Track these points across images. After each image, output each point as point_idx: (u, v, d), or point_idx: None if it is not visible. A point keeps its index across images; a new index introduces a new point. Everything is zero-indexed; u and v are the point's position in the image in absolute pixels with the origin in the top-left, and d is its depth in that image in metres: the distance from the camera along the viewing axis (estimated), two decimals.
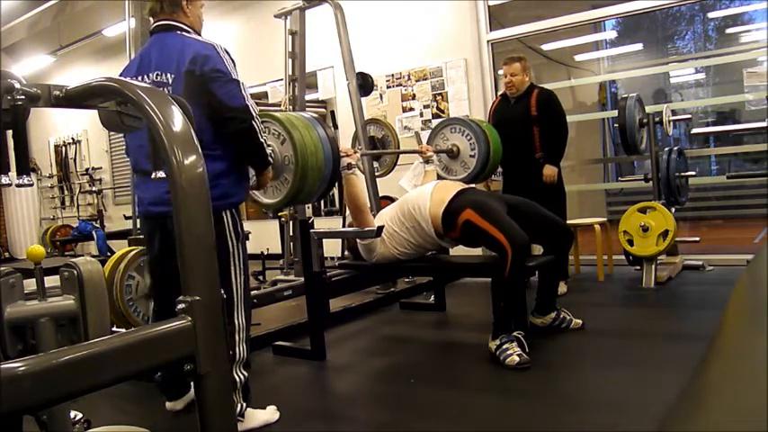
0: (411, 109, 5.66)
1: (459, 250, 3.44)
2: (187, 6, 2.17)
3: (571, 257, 4.34)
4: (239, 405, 2.13)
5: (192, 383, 1.08)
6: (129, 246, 3.32)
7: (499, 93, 4.61)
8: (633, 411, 2.05)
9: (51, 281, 1.18)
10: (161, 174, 1.01)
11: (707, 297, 3.65)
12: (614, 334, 3.09)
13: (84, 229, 7.39)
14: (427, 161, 3.51)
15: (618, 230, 4.05)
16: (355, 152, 3.02)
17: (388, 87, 5.78)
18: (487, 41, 5.24)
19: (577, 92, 7.28)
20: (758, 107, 4.90)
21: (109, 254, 6.13)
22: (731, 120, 7.31)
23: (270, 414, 2.22)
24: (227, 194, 2.08)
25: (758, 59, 5.21)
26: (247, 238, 3.52)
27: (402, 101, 5.70)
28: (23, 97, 0.99)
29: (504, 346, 2.61)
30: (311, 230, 2.92)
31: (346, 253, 3.60)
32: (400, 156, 4.36)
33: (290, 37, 4.21)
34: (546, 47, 7.01)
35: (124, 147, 2.38)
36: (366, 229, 2.83)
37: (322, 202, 6.55)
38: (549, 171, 3.83)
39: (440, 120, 5.17)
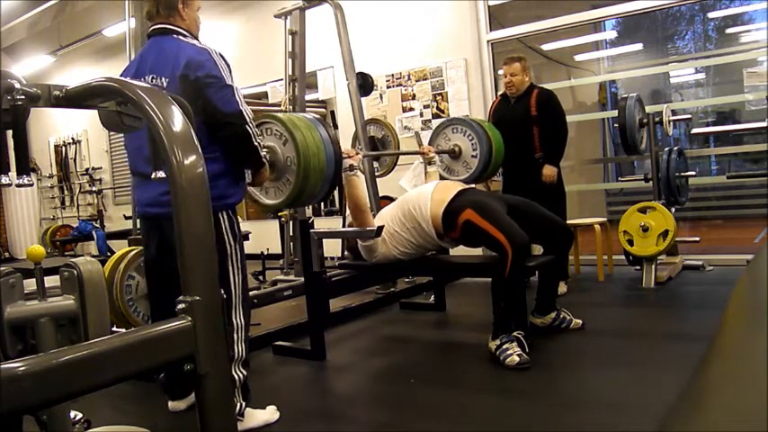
0: (411, 109, 5.66)
1: (459, 250, 3.44)
2: (183, 9, 2.17)
3: (571, 257, 4.34)
4: (238, 404, 2.13)
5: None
6: (129, 246, 3.33)
7: (499, 93, 4.61)
8: (633, 411, 2.05)
9: (51, 281, 1.18)
10: (161, 174, 1.01)
11: (707, 297, 3.65)
12: (614, 334, 3.09)
13: (84, 229, 7.39)
14: (429, 162, 3.51)
15: (618, 230, 4.05)
16: (357, 153, 3.02)
17: (388, 87, 5.78)
18: (487, 41, 5.24)
19: (577, 92, 7.28)
20: (758, 107, 4.90)
21: (109, 254, 6.13)
22: (731, 120, 7.32)
23: (270, 414, 2.22)
24: (224, 195, 2.09)
25: (758, 59, 5.21)
26: (247, 239, 3.53)
27: (402, 101, 5.70)
28: (23, 97, 0.99)
29: (504, 346, 2.61)
30: (311, 230, 2.92)
31: (346, 253, 3.60)
32: (400, 156, 4.36)
33: (290, 37, 4.21)
34: (546, 47, 7.01)
35: (125, 148, 2.39)
36: (366, 228, 2.83)
37: (322, 203, 6.55)
38: (548, 171, 3.83)
39: (441, 120, 5.18)
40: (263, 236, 5.85)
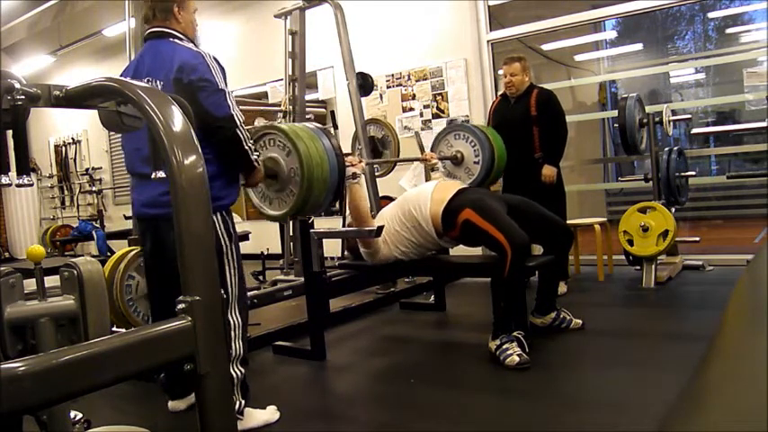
0: (411, 109, 5.66)
1: (459, 250, 3.44)
2: (179, 13, 2.19)
3: (571, 257, 4.34)
4: (238, 402, 2.14)
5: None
6: (129, 246, 3.32)
7: (499, 93, 4.61)
8: (633, 411, 2.05)
9: (51, 281, 1.18)
10: (161, 174, 1.01)
11: (707, 297, 3.65)
12: (614, 334, 3.09)
13: (84, 229, 7.38)
14: (432, 168, 3.51)
15: (618, 230, 4.05)
16: (360, 161, 3.03)
17: (388, 87, 5.78)
18: (487, 41, 5.24)
19: (577, 92, 7.28)
20: (758, 107, 4.90)
21: (109, 254, 6.13)
22: (731, 120, 7.31)
23: (270, 414, 2.23)
24: (218, 197, 2.11)
25: (758, 59, 5.21)
26: (247, 238, 3.52)
27: (402, 101, 5.70)
28: (23, 97, 0.99)
29: (504, 346, 2.61)
30: (311, 230, 2.92)
31: (346, 253, 3.60)
32: (400, 155, 4.36)
33: (290, 37, 4.21)
34: (546, 47, 7.01)
35: (122, 148, 2.39)
36: (366, 228, 2.83)
37: None
38: (547, 171, 3.82)
39: (441, 119, 5.18)
40: (263, 236, 5.85)
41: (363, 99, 4.19)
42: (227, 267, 2.12)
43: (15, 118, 0.99)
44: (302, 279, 3.19)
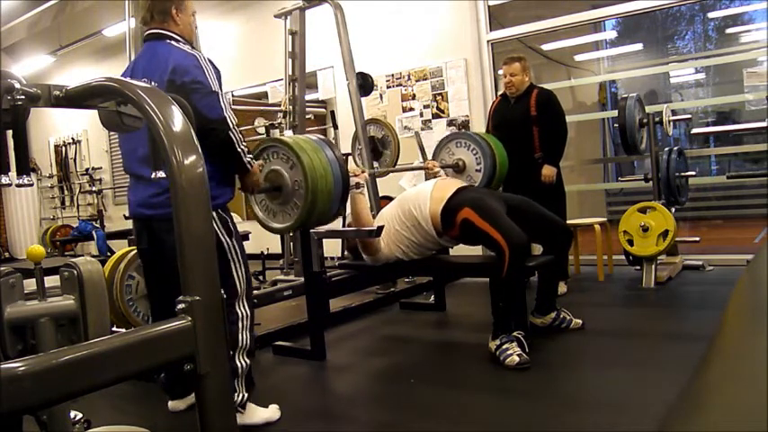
0: (411, 109, 5.66)
1: (459, 250, 3.44)
2: (177, 15, 2.20)
3: (571, 257, 4.34)
4: (241, 395, 2.15)
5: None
6: (129, 246, 3.32)
7: (499, 93, 4.61)
8: (633, 411, 2.05)
9: (51, 281, 1.18)
10: (161, 174, 1.01)
11: (707, 297, 3.65)
12: (614, 334, 3.09)
13: (84, 229, 7.38)
14: (434, 176, 3.51)
15: (618, 230, 4.05)
16: (363, 172, 3.03)
17: (388, 87, 5.77)
18: (487, 41, 5.24)
19: (577, 92, 7.28)
20: (758, 107, 4.90)
21: (109, 254, 6.13)
22: (731, 120, 7.31)
23: (271, 412, 2.24)
24: (214, 196, 2.11)
25: (758, 59, 5.21)
26: (247, 239, 3.52)
27: (402, 101, 5.70)
28: (23, 97, 0.99)
29: (504, 346, 2.61)
30: (311, 230, 2.92)
31: (346, 253, 3.60)
32: (400, 155, 4.36)
33: (290, 37, 4.21)
34: (546, 47, 7.01)
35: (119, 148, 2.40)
36: (366, 228, 2.83)
37: None
38: (547, 171, 3.82)
39: (444, 131, 5.18)
40: (263, 236, 5.84)
41: (363, 99, 4.19)
42: (231, 263, 2.14)
43: (15, 118, 0.99)
44: (302, 279, 3.19)
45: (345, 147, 4.97)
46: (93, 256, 1.85)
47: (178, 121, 0.95)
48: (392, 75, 5.74)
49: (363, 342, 3.35)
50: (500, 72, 4.31)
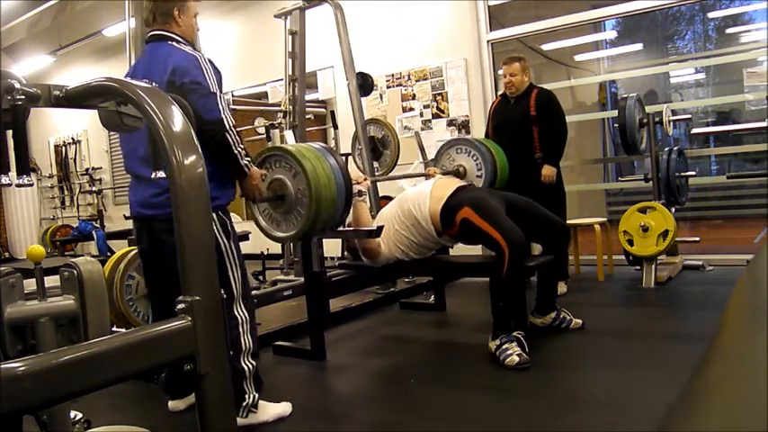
0: (411, 109, 5.66)
1: (459, 250, 3.44)
2: (179, 16, 2.20)
3: (571, 257, 4.34)
4: (252, 396, 2.16)
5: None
6: (129, 246, 3.32)
7: (499, 93, 4.61)
8: (633, 411, 2.05)
9: (51, 281, 1.18)
10: (161, 174, 1.01)
11: (707, 297, 3.65)
12: (614, 334, 3.09)
13: (84, 229, 7.38)
14: None
15: (618, 230, 4.05)
16: (365, 179, 3.03)
17: (388, 87, 5.78)
18: (487, 41, 5.24)
19: (577, 92, 7.28)
20: (758, 107, 4.90)
21: (109, 254, 6.13)
22: (731, 120, 7.31)
23: (283, 408, 2.26)
24: (214, 197, 2.10)
25: (758, 59, 5.21)
26: (247, 238, 3.52)
27: (402, 101, 5.70)
28: (23, 97, 0.99)
29: (504, 346, 2.61)
30: None
31: (346, 253, 3.60)
32: (400, 155, 4.36)
33: (290, 37, 4.21)
34: (546, 47, 7.00)
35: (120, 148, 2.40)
36: (366, 228, 2.83)
37: None
38: (547, 171, 3.82)
39: (445, 136, 5.18)
40: (263, 236, 5.86)
41: (363, 99, 4.18)
42: (228, 265, 2.14)
43: (15, 118, 0.99)
44: (302, 279, 3.19)
45: (345, 147, 4.97)
46: (93, 256, 1.85)
47: (178, 121, 0.95)
48: (392, 75, 5.74)
49: (363, 342, 3.35)
50: (500, 72, 4.31)
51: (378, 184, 4.09)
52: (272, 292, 3.48)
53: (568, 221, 3.91)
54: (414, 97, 5.63)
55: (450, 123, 5.41)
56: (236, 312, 2.15)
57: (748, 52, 6.61)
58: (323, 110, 6.34)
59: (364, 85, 4.20)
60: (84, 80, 1.06)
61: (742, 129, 6.26)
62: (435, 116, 5.49)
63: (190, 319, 0.91)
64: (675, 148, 4.36)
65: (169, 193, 0.95)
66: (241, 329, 2.15)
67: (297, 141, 3.86)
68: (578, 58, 7.82)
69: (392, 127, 4.55)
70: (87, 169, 9.05)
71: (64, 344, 1.14)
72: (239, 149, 2.12)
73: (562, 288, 3.79)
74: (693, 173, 4.57)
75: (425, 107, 5.57)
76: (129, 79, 2.13)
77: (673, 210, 4.10)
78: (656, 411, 1.96)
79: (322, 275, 2.98)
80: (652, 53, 8.51)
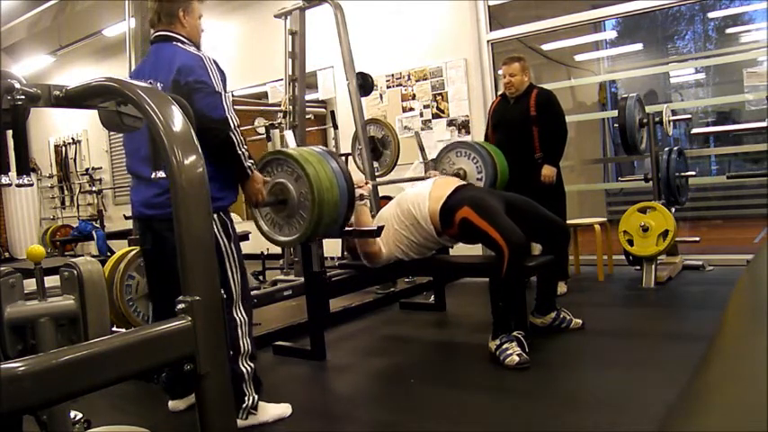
0: (411, 109, 5.66)
1: (459, 250, 3.44)
2: (184, 18, 2.21)
3: (571, 257, 4.34)
4: (251, 398, 2.16)
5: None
6: (129, 246, 3.32)
7: (499, 93, 4.61)
8: (633, 411, 2.05)
9: (51, 281, 1.18)
10: (161, 174, 1.01)
11: (707, 297, 3.65)
12: (614, 334, 3.09)
13: (84, 229, 7.38)
14: None
15: (618, 230, 4.05)
16: (366, 183, 3.02)
17: (388, 87, 5.78)
18: (487, 41, 5.24)
19: (577, 92, 7.28)
20: (758, 107, 4.90)
21: (109, 254, 6.13)
22: (731, 120, 7.31)
23: (283, 409, 2.26)
24: (215, 198, 2.11)
25: (758, 59, 5.21)
26: (247, 238, 3.52)
27: (402, 101, 5.70)
28: (23, 97, 0.99)
29: (504, 346, 2.61)
30: None
31: (346, 253, 3.60)
32: (400, 155, 4.36)
33: (290, 37, 4.21)
34: (546, 47, 7.00)
35: (123, 147, 2.40)
36: (365, 228, 2.83)
37: None
38: (547, 171, 3.82)
39: (446, 140, 5.18)
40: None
41: (363, 99, 4.18)
42: (228, 267, 2.13)
43: (15, 118, 0.99)
44: (302, 279, 3.19)
45: (345, 147, 4.97)
46: (93, 256, 1.85)
47: (178, 121, 0.95)
48: (392, 75, 5.74)
49: (363, 342, 3.35)
50: (500, 72, 4.31)
51: (377, 180, 4.09)
52: (272, 292, 3.48)
53: (568, 221, 3.91)
54: (414, 97, 5.63)
55: (451, 123, 5.41)
56: (235, 314, 2.14)
57: (748, 52, 6.61)
58: (323, 110, 6.34)
59: (364, 85, 4.20)
60: (84, 80, 1.06)
61: (742, 129, 6.26)
62: (435, 116, 5.49)
63: (190, 319, 0.91)
64: (675, 148, 4.36)
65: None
66: (240, 331, 2.15)
67: (297, 141, 3.85)
68: (578, 58, 7.83)
69: (392, 127, 4.56)
70: (87, 169, 9.05)
71: (64, 344, 1.14)
72: (243, 150, 2.11)
73: (562, 288, 3.79)
74: (693, 173, 4.57)
75: (425, 107, 5.57)
76: (132, 79, 2.16)
77: (673, 210, 4.10)
78: (656, 411, 1.96)
79: (322, 275, 2.98)
80: (652, 53, 8.51)
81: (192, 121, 1.01)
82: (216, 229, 2.11)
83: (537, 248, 3.22)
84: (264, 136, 4.89)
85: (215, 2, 6.56)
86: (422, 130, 5.38)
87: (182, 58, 2.08)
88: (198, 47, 2.24)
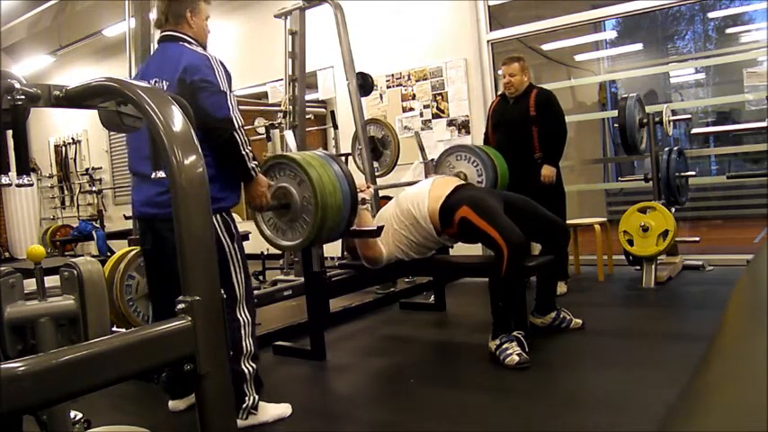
0: (411, 109, 5.66)
1: (459, 250, 3.44)
2: (191, 18, 2.22)
3: (571, 257, 4.34)
4: (252, 398, 2.16)
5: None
6: (129, 246, 3.32)
7: (498, 93, 4.61)
8: (633, 411, 2.05)
9: (51, 281, 1.18)
10: (161, 174, 1.01)
11: (707, 297, 3.65)
12: (614, 334, 3.09)
13: (84, 229, 7.38)
14: None
15: (618, 230, 4.05)
16: (368, 187, 3.02)
17: (388, 87, 5.78)
18: (487, 41, 5.24)
19: (577, 92, 7.28)
20: (758, 107, 4.90)
21: (109, 254, 6.13)
22: (731, 120, 7.31)
23: (283, 409, 2.26)
24: (216, 199, 2.10)
25: (758, 59, 5.21)
26: (247, 239, 3.52)
27: (402, 101, 5.70)
28: (23, 97, 0.99)
29: (504, 346, 2.61)
30: None
31: (346, 253, 3.60)
32: (400, 155, 4.36)
33: (290, 37, 4.21)
34: (546, 47, 7.00)
35: (126, 147, 2.40)
36: (365, 228, 2.83)
37: None
38: (546, 171, 3.82)
39: (445, 141, 5.19)
40: None
41: (363, 99, 4.19)
42: (231, 268, 2.13)
43: (15, 118, 0.99)
44: (302, 279, 3.19)
45: (345, 147, 4.97)
46: (93, 256, 1.85)
47: (178, 121, 0.95)
48: (392, 75, 5.74)
49: (363, 342, 3.35)
50: (499, 72, 4.30)
51: (378, 184, 4.09)
52: (272, 292, 3.48)
53: (568, 221, 3.91)
54: (414, 97, 5.63)
55: (450, 123, 5.41)
56: (238, 315, 2.14)
57: (748, 52, 6.61)
58: (323, 110, 6.34)
59: (364, 85, 4.20)
60: (84, 80, 1.06)
61: (742, 129, 6.25)
62: (435, 116, 5.49)
63: (190, 319, 0.91)
64: (675, 148, 4.36)
65: None
66: (243, 332, 2.15)
67: (297, 141, 3.86)
68: (578, 58, 7.82)
69: (392, 127, 4.56)
70: (87, 169, 9.05)
71: (64, 344, 1.14)
72: (247, 151, 2.11)
73: (562, 288, 3.79)
74: (693, 173, 4.57)
75: (425, 107, 5.57)
76: (139, 78, 2.16)
77: (673, 210, 4.10)
78: (656, 411, 1.96)
79: (322, 275, 2.98)
80: (652, 53, 8.51)
81: (192, 121, 1.01)
82: (218, 230, 2.11)
83: (537, 248, 3.22)
84: (264, 136, 4.89)
85: (215, 2, 6.55)
86: (422, 130, 5.38)
87: (188, 58, 2.09)
88: (204, 47, 2.25)
